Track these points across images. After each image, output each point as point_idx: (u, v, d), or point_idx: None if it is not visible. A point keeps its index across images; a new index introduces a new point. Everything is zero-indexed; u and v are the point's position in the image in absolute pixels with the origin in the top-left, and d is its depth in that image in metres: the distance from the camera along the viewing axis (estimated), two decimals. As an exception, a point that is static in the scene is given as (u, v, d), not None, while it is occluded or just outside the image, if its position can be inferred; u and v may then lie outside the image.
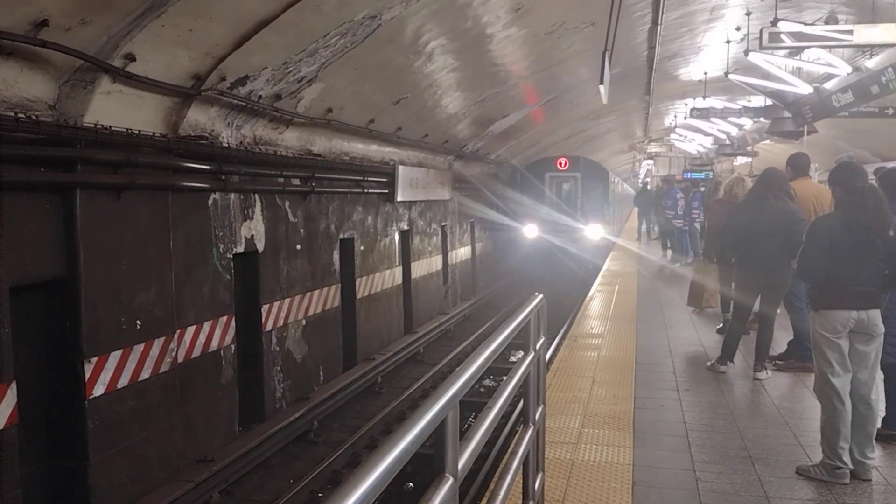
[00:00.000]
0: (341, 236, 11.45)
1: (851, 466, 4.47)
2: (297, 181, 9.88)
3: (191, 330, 7.68)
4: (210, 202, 8.03)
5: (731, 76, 13.41)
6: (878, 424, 5.09)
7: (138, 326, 6.82)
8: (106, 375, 6.43)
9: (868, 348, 4.50)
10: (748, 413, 5.93)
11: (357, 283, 12.11)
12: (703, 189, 16.91)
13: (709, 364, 7.29)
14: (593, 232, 21.96)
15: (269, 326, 9.26)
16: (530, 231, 21.77)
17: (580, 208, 22.22)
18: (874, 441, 4.62)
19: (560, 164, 22.48)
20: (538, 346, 3.48)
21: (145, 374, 6.92)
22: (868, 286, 4.45)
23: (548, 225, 21.65)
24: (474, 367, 2.25)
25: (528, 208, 21.89)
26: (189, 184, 7.61)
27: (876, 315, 4.48)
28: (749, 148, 22.86)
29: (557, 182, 22.57)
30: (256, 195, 8.94)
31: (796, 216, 6.57)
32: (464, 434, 2.21)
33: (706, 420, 5.71)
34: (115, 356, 6.53)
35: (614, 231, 25.62)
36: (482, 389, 11.66)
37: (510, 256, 23.06)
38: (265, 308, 9.16)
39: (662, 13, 10.08)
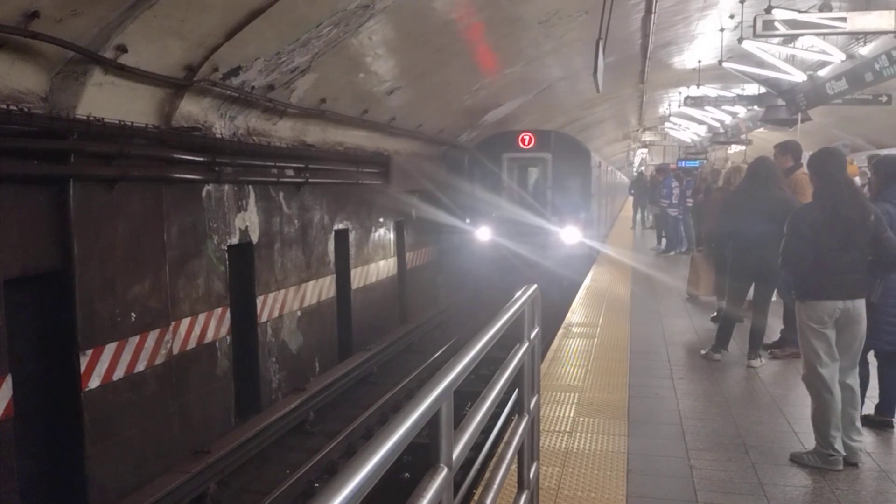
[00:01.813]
0: (336, 227, 11.44)
1: (844, 453, 4.50)
2: (291, 172, 9.87)
3: (186, 322, 7.68)
4: (204, 194, 8.02)
5: (724, 64, 13.40)
6: (871, 410, 5.15)
7: (133, 318, 6.82)
8: (101, 368, 6.43)
9: (853, 337, 4.55)
10: (742, 401, 5.96)
11: (352, 273, 12.12)
12: (695, 174, 16.93)
13: (703, 352, 7.32)
14: (569, 235, 15.71)
15: (264, 317, 9.26)
16: (482, 234, 15.61)
17: (551, 202, 15.85)
18: (859, 423, 4.65)
19: (523, 140, 15.97)
20: (532, 335, 3.49)
21: (140, 367, 6.92)
22: (854, 273, 4.49)
23: (506, 226, 15.44)
24: (468, 358, 2.25)
25: (477, 203, 15.82)
26: (183, 175, 7.58)
27: (861, 304, 4.52)
28: (743, 136, 22.88)
29: (520, 166, 16.24)
30: (250, 186, 8.93)
31: (791, 205, 6.58)
32: (458, 424, 2.22)
33: (700, 408, 5.74)
34: (110, 348, 6.53)
35: (600, 234, 19.31)
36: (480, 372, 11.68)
37: (450, 269, 17.30)
38: (260, 299, 9.16)
39: (656, 1, 10.07)
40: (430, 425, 1.91)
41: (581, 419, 5.45)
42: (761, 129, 20.83)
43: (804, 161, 7.13)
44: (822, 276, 4.48)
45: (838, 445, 4.46)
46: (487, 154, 16.09)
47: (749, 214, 6.73)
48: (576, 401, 5.89)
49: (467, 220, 15.84)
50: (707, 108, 18.98)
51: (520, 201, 15.71)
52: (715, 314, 8.87)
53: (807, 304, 4.53)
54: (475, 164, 16.26)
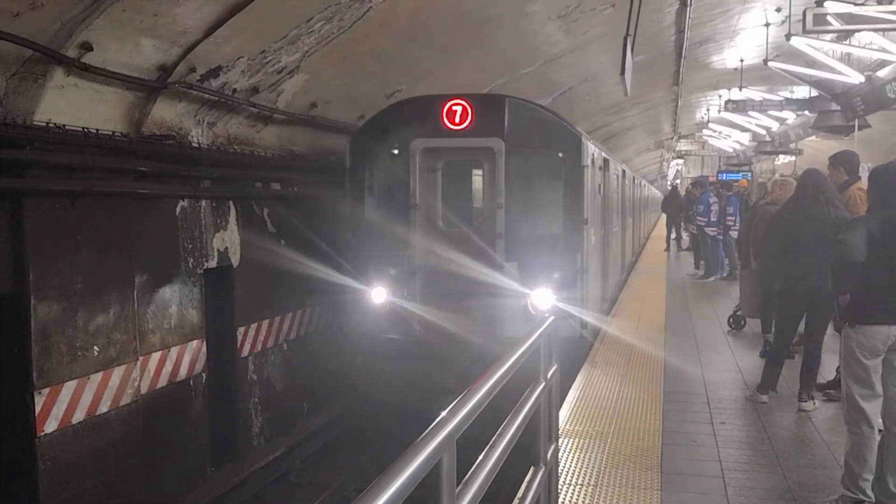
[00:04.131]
0: (327, 247, 11.42)
1: (874, 500, 4.47)
2: (277, 185, 9.90)
3: (156, 356, 7.67)
4: (178, 210, 8.04)
5: (770, 64, 13.44)
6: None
7: (96, 353, 6.82)
8: (59, 409, 6.41)
9: None
10: (793, 450, 5.91)
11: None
12: (744, 190, 16.91)
13: (748, 393, 7.27)
14: (541, 299, 8.92)
15: (245, 352, 9.25)
16: (377, 296, 9.21)
17: (504, 235, 9.07)
18: None
19: (451, 115, 9.08)
20: (549, 374, 3.47)
21: (104, 408, 6.90)
22: None
23: (420, 281, 9.17)
24: (473, 402, 2.24)
25: (363, 235, 9.49)
26: (154, 190, 7.62)
27: None
28: (792, 145, 22.89)
29: (447, 165, 9.37)
30: (231, 202, 8.96)
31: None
32: (463, 477, 2.19)
33: (745, 458, 5.69)
34: (69, 387, 6.51)
35: (605, 293, 12.04)
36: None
37: (304, 368, 10.71)
38: (241, 331, 9.15)
39: (692, -8, 10.14)
40: (431, 478, 1.88)
41: (607, 470, 5.41)
42: (813, 138, 20.85)
43: (862, 174, 7.10)
44: (877, 297, 4.53)
45: (870, 491, 4.46)
46: (383, 141, 9.50)
47: (799, 236, 6.70)
48: (601, 449, 5.84)
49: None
50: (751, 113, 19.04)
51: (445, 234, 9.21)
52: (762, 349, 8.82)
53: (858, 330, 4.55)
54: (361, 162, 9.56)
